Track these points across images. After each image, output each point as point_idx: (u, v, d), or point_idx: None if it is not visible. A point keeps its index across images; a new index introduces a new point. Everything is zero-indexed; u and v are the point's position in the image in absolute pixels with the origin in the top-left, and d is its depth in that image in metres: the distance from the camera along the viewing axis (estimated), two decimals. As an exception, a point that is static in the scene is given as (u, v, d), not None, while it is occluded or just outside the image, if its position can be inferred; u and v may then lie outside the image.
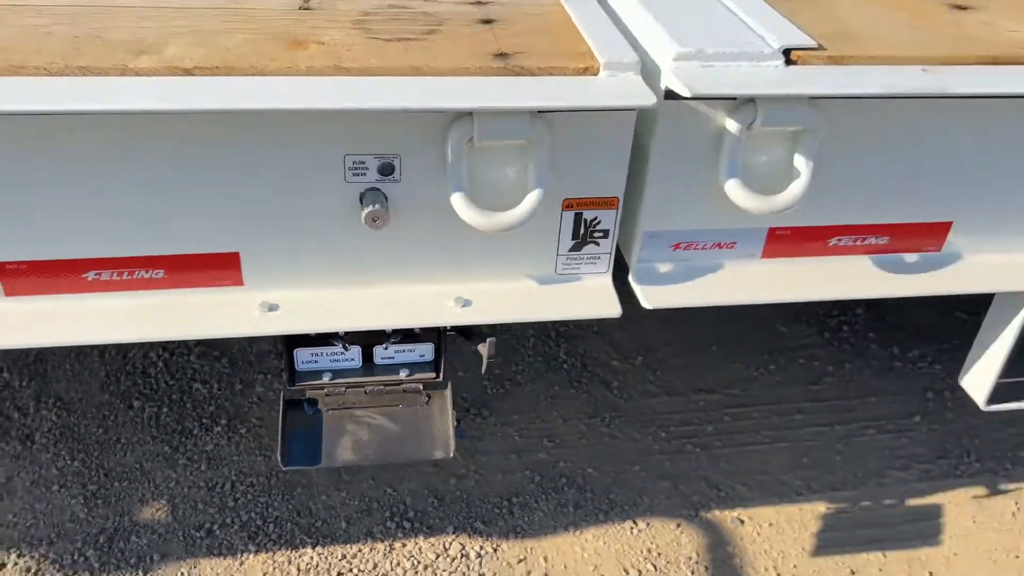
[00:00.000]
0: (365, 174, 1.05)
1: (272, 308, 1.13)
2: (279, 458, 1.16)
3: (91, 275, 1.08)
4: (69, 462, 1.75)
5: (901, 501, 1.79)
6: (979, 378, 1.45)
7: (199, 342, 2.05)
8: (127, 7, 1.13)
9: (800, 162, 1.11)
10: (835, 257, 1.28)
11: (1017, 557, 1.70)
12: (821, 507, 1.76)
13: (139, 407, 1.88)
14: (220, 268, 1.11)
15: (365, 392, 1.22)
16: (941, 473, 1.87)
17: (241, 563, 1.58)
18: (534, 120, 1.01)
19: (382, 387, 1.22)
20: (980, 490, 1.83)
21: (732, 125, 1.08)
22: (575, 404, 2.00)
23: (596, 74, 1.03)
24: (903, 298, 1.26)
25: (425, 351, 1.23)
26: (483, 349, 1.22)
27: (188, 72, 0.97)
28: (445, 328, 1.21)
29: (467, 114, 1.00)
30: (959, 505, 1.80)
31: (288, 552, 1.61)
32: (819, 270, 1.27)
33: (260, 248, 1.10)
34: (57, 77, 0.94)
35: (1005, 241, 1.31)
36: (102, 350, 2.02)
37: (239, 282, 1.13)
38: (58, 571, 1.53)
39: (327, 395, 1.21)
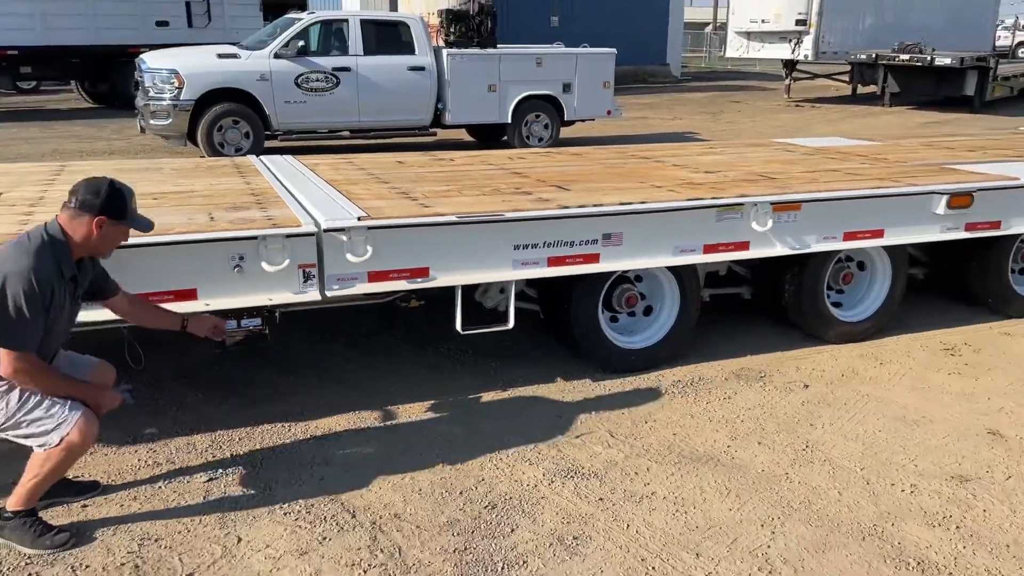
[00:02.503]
0: (235, 259, 3.61)
1: (207, 305, 3.62)
2: (218, 351, 3.62)
3: (151, 298, 3.55)
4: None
5: (466, 398, 4.29)
6: (458, 323, 4.10)
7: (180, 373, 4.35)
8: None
9: (368, 248, 3.78)
10: (398, 280, 3.93)
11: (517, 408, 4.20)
12: (416, 409, 4.23)
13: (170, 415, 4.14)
14: (189, 295, 3.60)
15: (237, 336, 3.70)
16: (481, 384, 4.39)
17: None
18: (284, 240, 3.63)
19: (245, 334, 3.71)
20: (500, 387, 4.36)
21: (345, 237, 3.74)
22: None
23: (300, 227, 3.70)
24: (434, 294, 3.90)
25: (259, 320, 3.74)
26: (275, 317, 3.77)
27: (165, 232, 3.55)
28: (265, 309, 3.73)
29: (264, 237, 3.61)
30: (486, 395, 4.31)
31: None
32: (393, 286, 3.92)
33: (204, 284, 3.60)
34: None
35: (449, 270, 4.01)
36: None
37: (195, 298, 3.62)
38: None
39: (228, 337, 3.68)
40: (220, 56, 11.30)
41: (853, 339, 5.03)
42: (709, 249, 4.42)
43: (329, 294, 3.79)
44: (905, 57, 20.36)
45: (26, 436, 2.85)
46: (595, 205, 4.21)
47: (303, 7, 23.76)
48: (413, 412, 4.12)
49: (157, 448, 3.70)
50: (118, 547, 2.97)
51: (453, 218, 3.95)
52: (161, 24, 19.05)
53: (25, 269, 2.75)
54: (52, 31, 17.65)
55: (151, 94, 11.01)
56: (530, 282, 4.63)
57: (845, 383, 4.45)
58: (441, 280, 3.97)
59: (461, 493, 3.36)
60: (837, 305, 5.09)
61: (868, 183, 4.98)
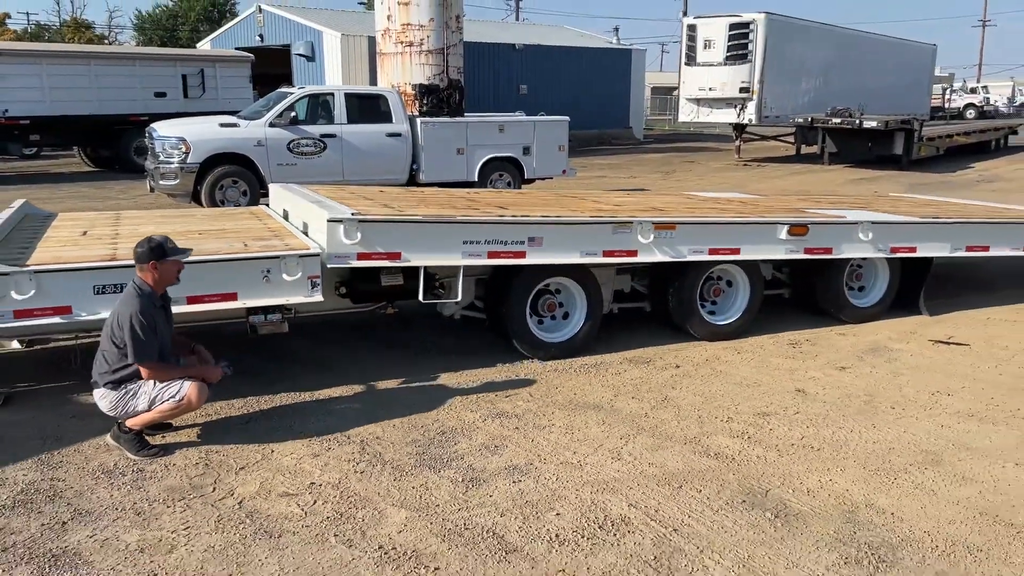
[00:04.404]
0: (264, 272, 5.18)
1: (244, 303, 5.17)
2: (252, 334, 5.17)
3: (205, 298, 5.10)
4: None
5: (429, 376, 5.81)
6: (420, 295, 5.66)
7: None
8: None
9: (358, 234, 5.35)
10: (379, 260, 5.50)
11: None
12: (392, 384, 5.75)
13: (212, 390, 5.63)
14: (232, 296, 5.16)
15: (267, 326, 5.25)
16: (441, 369, 5.92)
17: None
18: (298, 259, 5.21)
19: (271, 324, 5.25)
20: (455, 370, 5.89)
21: (343, 227, 5.30)
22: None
23: (309, 249, 5.29)
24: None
25: (279, 315, 5.29)
26: (292, 314, 5.34)
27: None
28: (283, 308, 5.29)
29: (284, 257, 5.19)
30: (443, 375, 5.83)
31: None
32: (376, 263, 5.50)
33: (242, 289, 5.15)
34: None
35: (416, 255, 5.59)
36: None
37: (236, 299, 5.17)
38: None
39: (260, 327, 5.22)
40: (222, 125, 13.02)
41: (722, 337, 6.64)
42: (607, 254, 6.02)
43: (330, 265, 5.31)
44: (837, 120, 22.51)
45: (162, 402, 4.39)
46: (524, 216, 5.84)
47: (290, 80, 25.74)
48: (390, 386, 5.65)
49: (207, 407, 5.17)
50: (191, 455, 4.48)
51: (420, 217, 5.57)
52: (159, 95, 20.87)
53: (135, 310, 4.35)
54: (60, 103, 19.38)
55: (161, 158, 12.64)
56: (478, 295, 6.24)
57: (707, 364, 6.05)
58: (411, 261, 5.49)
59: (422, 427, 4.89)
60: (712, 313, 6.72)
61: (730, 215, 6.66)
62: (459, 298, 5.78)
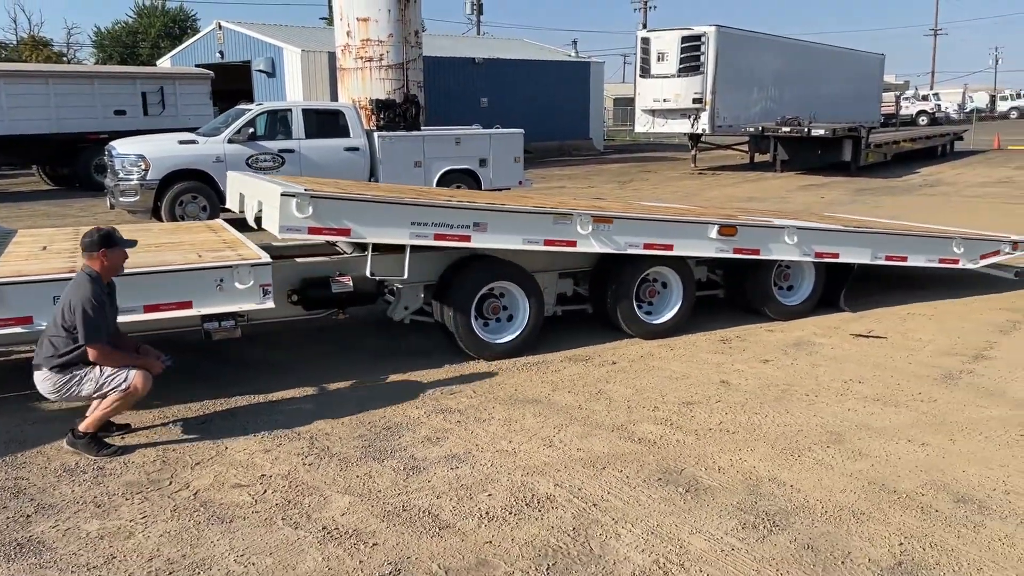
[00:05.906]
0: (217, 281, 5.48)
1: (199, 311, 5.46)
2: (206, 339, 5.45)
3: (161, 307, 5.38)
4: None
5: (378, 378, 6.12)
6: (368, 270, 5.98)
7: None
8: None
9: (310, 209, 5.68)
10: (329, 235, 5.82)
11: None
12: (344, 385, 6.06)
13: (169, 393, 5.89)
14: (187, 305, 5.44)
15: (221, 332, 5.54)
16: (391, 370, 6.23)
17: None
18: (250, 268, 5.51)
19: (224, 330, 5.54)
20: (404, 372, 6.21)
21: (296, 200, 5.62)
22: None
23: (260, 259, 5.59)
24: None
25: (233, 322, 5.58)
26: (245, 320, 5.63)
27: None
28: (236, 314, 5.59)
29: (236, 266, 5.49)
30: (393, 375, 6.15)
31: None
32: (325, 238, 5.82)
33: (196, 297, 5.44)
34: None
35: (364, 232, 5.92)
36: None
37: (191, 307, 5.45)
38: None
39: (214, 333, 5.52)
40: (181, 142, 13.26)
41: (658, 336, 7.03)
42: (548, 243, 6.36)
43: (280, 236, 5.61)
44: (787, 129, 23.19)
45: (108, 392, 4.65)
46: (470, 201, 6.20)
47: (251, 97, 25.91)
48: (341, 387, 5.96)
49: (164, 409, 5.47)
50: (149, 454, 4.76)
51: (370, 196, 5.90)
52: (119, 112, 20.98)
53: (86, 294, 4.61)
54: (18, 121, 19.43)
55: (120, 176, 12.85)
56: (427, 299, 6.57)
57: (641, 361, 6.44)
58: (364, 238, 5.80)
59: (369, 423, 5.21)
60: (648, 313, 7.11)
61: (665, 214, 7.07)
62: (405, 275, 6.05)
